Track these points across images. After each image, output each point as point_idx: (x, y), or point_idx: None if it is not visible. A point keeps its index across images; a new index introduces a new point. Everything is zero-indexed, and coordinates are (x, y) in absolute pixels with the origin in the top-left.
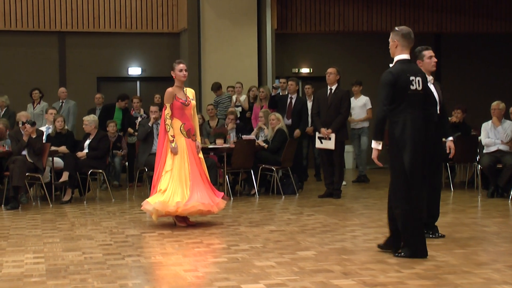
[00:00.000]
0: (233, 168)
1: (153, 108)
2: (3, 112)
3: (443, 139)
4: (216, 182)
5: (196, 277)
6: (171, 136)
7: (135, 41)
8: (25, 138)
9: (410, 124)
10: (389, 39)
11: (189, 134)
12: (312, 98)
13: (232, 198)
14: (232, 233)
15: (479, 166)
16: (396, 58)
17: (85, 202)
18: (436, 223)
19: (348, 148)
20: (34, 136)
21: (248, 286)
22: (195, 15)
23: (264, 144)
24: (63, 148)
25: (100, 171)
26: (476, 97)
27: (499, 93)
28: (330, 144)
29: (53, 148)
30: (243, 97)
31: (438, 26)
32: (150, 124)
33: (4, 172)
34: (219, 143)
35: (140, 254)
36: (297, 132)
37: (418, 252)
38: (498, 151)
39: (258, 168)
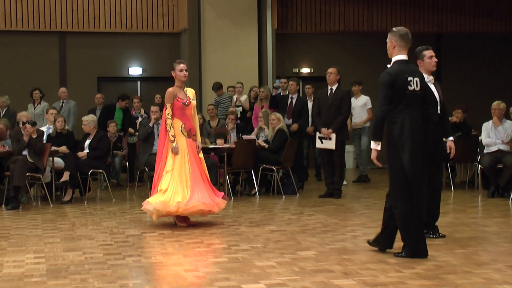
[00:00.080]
0: (234, 168)
1: (153, 108)
2: (3, 112)
3: (444, 139)
4: (216, 182)
5: (197, 277)
6: (172, 136)
7: (136, 41)
8: (25, 138)
9: (408, 125)
10: (387, 40)
11: (189, 134)
12: (312, 98)
13: (232, 198)
14: (233, 233)
15: (479, 166)
16: (394, 59)
17: (85, 202)
18: (437, 223)
19: (349, 148)
20: (34, 136)
21: (248, 286)
22: (195, 15)
23: (265, 144)
24: (63, 148)
25: (101, 171)
26: (477, 97)
27: (499, 93)
28: (330, 144)
29: (53, 148)
30: (243, 97)
31: (439, 26)
32: (151, 124)
33: (5, 172)
34: (220, 143)
35: (141, 254)
36: (294, 126)
37: (418, 252)
38: (499, 151)
39: (259, 168)
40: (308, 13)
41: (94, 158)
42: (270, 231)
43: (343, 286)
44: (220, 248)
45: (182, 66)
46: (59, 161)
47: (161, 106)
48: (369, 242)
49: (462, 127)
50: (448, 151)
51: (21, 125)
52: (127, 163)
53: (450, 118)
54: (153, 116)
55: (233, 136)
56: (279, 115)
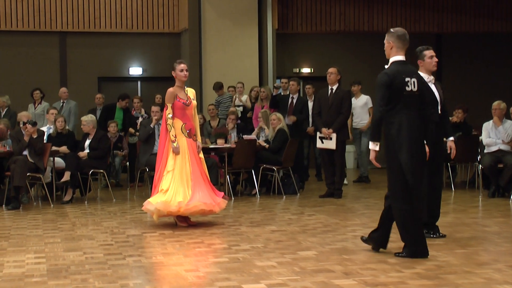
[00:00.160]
0: (234, 168)
1: (154, 108)
2: (4, 112)
3: (444, 139)
4: (217, 182)
5: (197, 277)
6: (173, 136)
7: (136, 41)
8: (26, 138)
9: (406, 125)
10: (385, 41)
11: (190, 134)
12: (313, 98)
13: (233, 198)
14: (233, 233)
15: (480, 166)
16: (391, 60)
17: (86, 202)
18: (437, 223)
19: (349, 148)
20: (35, 136)
21: (249, 286)
22: (196, 15)
23: (265, 144)
24: (64, 148)
25: (101, 171)
26: (477, 97)
27: (500, 92)
28: (331, 144)
29: (54, 148)
30: (244, 97)
31: (439, 26)
32: (152, 125)
33: (5, 172)
34: (220, 143)
35: (141, 254)
36: (292, 117)
37: (418, 252)
38: (499, 151)
39: (259, 168)
40: (308, 13)
41: (94, 158)
42: (271, 231)
43: (344, 286)
44: (220, 248)
45: (182, 66)
46: (59, 161)
47: (162, 106)
48: (362, 239)
49: (462, 127)
50: (448, 151)
51: (21, 125)
52: (128, 163)
53: (450, 118)
54: (154, 117)
55: (233, 136)
56: (279, 115)
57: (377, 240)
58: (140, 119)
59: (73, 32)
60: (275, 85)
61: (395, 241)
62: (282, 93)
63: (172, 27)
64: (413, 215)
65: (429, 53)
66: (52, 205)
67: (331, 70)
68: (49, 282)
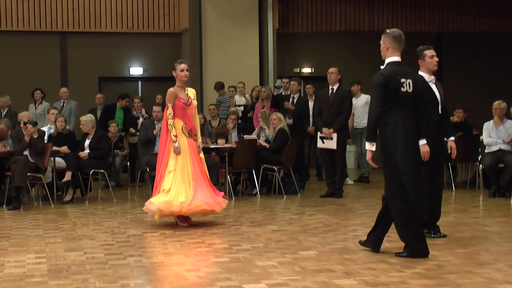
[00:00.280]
0: (235, 168)
1: (155, 108)
2: (4, 112)
3: (445, 139)
4: (217, 182)
5: (198, 277)
6: (174, 136)
7: (137, 41)
8: (26, 138)
9: (401, 126)
10: (381, 41)
11: (190, 134)
12: (313, 98)
13: (233, 198)
14: (234, 233)
15: (480, 165)
16: (387, 60)
17: (86, 202)
18: (438, 223)
19: (350, 148)
20: (35, 136)
21: (250, 286)
22: (196, 15)
23: (266, 144)
24: (64, 148)
25: (102, 171)
26: (478, 97)
27: (500, 92)
28: (332, 144)
29: (54, 148)
30: (243, 97)
31: (440, 26)
32: (155, 132)
33: (6, 172)
34: (221, 143)
35: (142, 254)
36: (289, 105)
37: (419, 251)
38: (500, 150)
39: (260, 168)
40: (309, 13)
41: (95, 158)
42: (271, 231)
43: (345, 286)
44: (221, 248)
45: (183, 66)
46: (60, 161)
47: (163, 107)
48: (360, 242)
49: (463, 127)
50: (449, 151)
51: (22, 125)
52: (128, 163)
53: (451, 117)
54: (158, 126)
55: (234, 136)
56: (280, 115)
57: (373, 242)
58: (141, 119)
59: (74, 32)
60: (276, 85)
61: (396, 241)
62: (283, 93)
63: (172, 27)
64: (412, 215)
65: (429, 53)
66: (52, 205)
67: (331, 70)
68: (49, 282)
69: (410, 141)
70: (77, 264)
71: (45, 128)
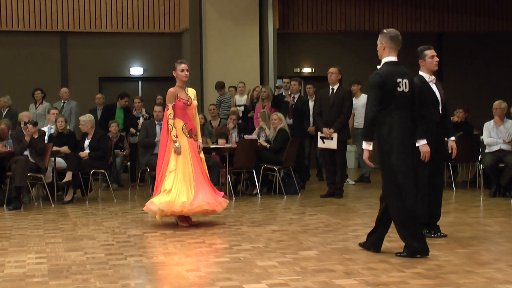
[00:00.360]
0: (235, 168)
1: (157, 108)
2: (5, 112)
3: (445, 139)
4: (218, 182)
5: (198, 277)
6: (174, 136)
7: (137, 41)
8: (27, 138)
9: (397, 125)
10: (377, 41)
11: (191, 134)
12: (313, 98)
13: (234, 198)
14: (234, 233)
15: (481, 165)
16: (383, 60)
17: (87, 202)
18: (438, 223)
19: (351, 148)
20: (36, 136)
21: (250, 286)
22: (197, 15)
23: (266, 144)
24: (65, 149)
25: (102, 171)
26: (478, 97)
27: (500, 92)
28: (332, 144)
29: (55, 148)
30: (244, 97)
31: (440, 26)
32: (156, 140)
33: (6, 172)
34: (221, 143)
35: (142, 254)
36: (289, 98)
37: (419, 250)
38: (500, 150)
39: (260, 168)
40: (309, 12)
41: (95, 158)
42: (272, 231)
43: (345, 286)
44: (221, 248)
45: (183, 66)
46: (60, 161)
47: (164, 107)
48: (360, 245)
49: (463, 127)
50: (449, 151)
51: (22, 125)
52: (129, 163)
53: (451, 117)
54: (157, 138)
55: (234, 136)
56: (280, 114)
57: (373, 243)
58: (141, 119)
59: (74, 32)
60: (276, 85)
61: (396, 241)
62: (283, 93)
63: (173, 27)
64: (410, 214)
65: (430, 52)
66: (53, 205)
67: (332, 70)
68: (50, 282)
69: (406, 141)
70: (77, 264)
71: (45, 128)
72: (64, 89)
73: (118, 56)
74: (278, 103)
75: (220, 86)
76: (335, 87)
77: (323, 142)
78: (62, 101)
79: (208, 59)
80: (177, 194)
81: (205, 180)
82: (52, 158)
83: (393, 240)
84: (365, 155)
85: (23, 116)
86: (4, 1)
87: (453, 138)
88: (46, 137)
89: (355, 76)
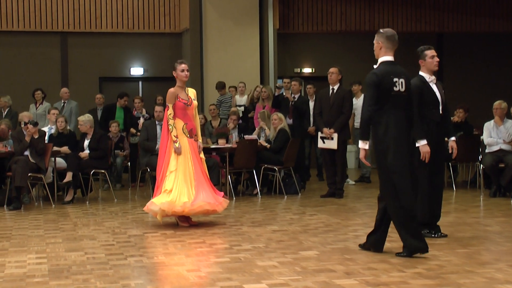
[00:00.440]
0: (235, 168)
1: (157, 108)
2: (5, 112)
3: (446, 139)
4: (218, 182)
5: (199, 277)
6: (174, 136)
7: (137, 41)
8: (27, 139)
9: (393, 125)
10: (374, 41)
11: (191, 134)
12: (314, 98)
13: (234, 198)
14: (235, 233)
15: (481, 165)
16: (380, 60)
17: (87, 202)
18: (439, 223)
19: (351, 148)
20: (36, 137)
21: (250, 286)
22: (197, 15)
23: (266, 144)
24: (65, 149)
25: (103, 171)
26: (478, 97)
27: (501, 92)
28: (332, 144)
29: (55, 148)
30: (244, 97)
31: (440, 26)
32: (156, 147)
33: (7, 172)
34: (221, 143)
35: (143, 254)
36: (288, 93)
37: (418, 249)
38: (500, 150)
39: (260, 168)
40: (309, 12)
41: (95, 158)
42: (272, 231)
43: (345, 286)
44: (222, 248)
45: (183, 66)
46: (61, 162)
47: (164, 107)
48: (360, 246)
49: (463, 127)
50: (450, 151)
51: (23, 125)
52: (129, 163)
53: (451, 117)
54: (156, 146)
55: (234, 136)
56: (280, 115)
57: (374, 244)
58: (142, 120)
59: (74, 32)
60: (277, 85)
61: (396, 241)
62: (284, 93)
63: (173, 27)
64: (409, 213)
65: (430, 53)
66: (53, 205)
67: (332, 70)
68: (50, 282)
69: (403, 141)
70: (78, 264)
71: (45, 128)
72: (64, 89)
73: (118, 56)
74: (279, 103)
75: (220, 86)
76: (335, 87)
77: (324, 142)
78: (62, 101)
79: (209, 59)
80: (178, 194)
81: (205, 180)
82: (53, 158)
83: (393, 240)
84: (362, 154)
85: (24, 116)
86: (4, 1)
87: (453, 138)
88: (46, 137)
89: (355, 76)
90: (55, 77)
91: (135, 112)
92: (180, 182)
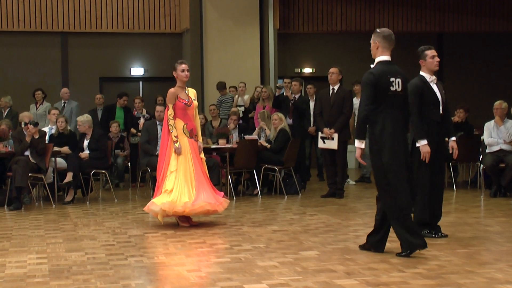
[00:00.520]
0: (236, 168)
1: (158, 108)
2: (6, 112)
3: (446, 139)
4: (218, 182)
5: (199, 277)
6: (175, 136)
7: (138, 41)
8: (27, 139)
9: (389, 124)
10: (371, 41)
11: (191, 134)
12: (314, 98)
13: (235, 198)
14: (235, 233)
15: (481, 165)
16: (377, 59)
17: (88, 202)
18: (439, 223)
19: (351, 148)
20: (36, 137)
21: (251, 286)
22: (197, 15)
23: (267, 144)
24: (65, 149)
25: (103, 171)
26: (479, 97)
27: (501, 92)
28: (333, 144)
29: (55, 148)
30: (246, 97)
31: (441, 26)
32: (156, 153)
33: (7, 172)
34: (222, 143)
35: (143, 254)
36: (288, 92)
37: (416, 245)
38: (501, 150)
39: (261, 168)
40: (310, 13)
41: (96, 158)
42: (273, 231)
43: (346, 286)
44: (222, 248)
45: (183, 66)
46: (61, 162)
47: (165, 107)
48: (360, 247)
49: (464, 127)
50: (450, 151)
51: (23, 126)
52: (129, 163)
53: (452, 118)
54: (156, 152)
55: (235, 136)
56: (281, 115)
57: (375, 244)
58: (142, 120)
59: (75, 33)
60: (277, 85)
61: (396, 241)
62: (284, 93)
63: (173, 27)
64: (404, 211)
65: (430, 53)
66: (53, 206)
67: (332, 70)
68: (51, 282)
69: (399, 140)
70: (78, 264)
71: (46, 129)
72: (64, 90)
73: (118, 56)
74: (279, 104)
75: (221, 86)
76: (336, 87)
77: (324, 142)
78: (63, 101)
79: (209, 59)
80: (179, 195)
81: (205, 180)
82: (53, 159)
83: (393, 240)
84: (357, 153)
85: (24, 116)
86: (5, 1)
87: (453, 138)
88: (46, 138)
89: (355, 76)
90: (55, 77)
91: (136, 112)
92: (181, 182)
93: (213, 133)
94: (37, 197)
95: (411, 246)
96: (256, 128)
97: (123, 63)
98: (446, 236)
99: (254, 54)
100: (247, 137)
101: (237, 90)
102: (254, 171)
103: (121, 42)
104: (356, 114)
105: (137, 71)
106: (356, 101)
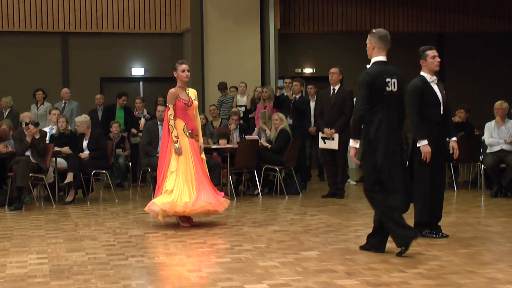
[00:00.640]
0: (236, 168)
1: (159, 108)
2: (6, 112)
3: (447, 139)
4: (219, 182)
5: (200, 277)
6: (175, 136)
7: (138, 42)
8: (28, 139)
9: (384, 125)
10: (367, 41)
11: (192, 134)
12: (315, 98)
13: (235, 199)
14: (236, 233)
15: (482, 165)
16: (373, 60)
17: (88, 202)
18: (440, 223)
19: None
20: (37, 137)
21: (251, 286)
22: (198, 15)
23: (267, 144)
24: (66, 149)
25: (104, 171)
26: (479, 97)
27: (502, 92)
28: (333, 144)
29: (56, 148)
30: (244, 98)
31: (441, 26)
32: (156, 155)
33: (8, 172)
34: (222, 143)
35: (144, 254)
36: (289, 92)
37: (409, 237)
38: (502, 150)
39: (262, 168)
40: (310, 13)
41: (96, 158)
42: (273, 231)
43: (346, 286)
44: (223, 248)
45: (184, 66)
46: (61, 162)
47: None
48: (361, 247)
49: (464, 127)
50: (451, 151)
51: (24, 126)
52: (130, 163)
53: (453, 118)
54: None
55: (235, 136)
56: (281, 115)
57: (376, 244)
58: (143, 120)
59: (75, 33)
60: (278, 85)
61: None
62: (285, 94)
63: (174, 28)
64: (396, 210)
65: (431, 53)
66: (54, 206)
67: (333, 70)
68: (51, 282)
69: (394, 140)
70: (78, 264)
71: (46, 129)
72: (65, 90)
73: (119, 56)
74: (280, 104)
75: (222, 87)
76: (336, 88)
77: (324, 143)
78: (63, 101)
79: (209, 59)
80: (180, 195)
81: (206, 180)
82: (54, 159)
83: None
84: (352, 152)
85: (25, 116)
86: (5, 1)
87: (454, 138)
88: (47, 138)
89: (356, 76)
90: (56, 77)
91: (136, 112)
92: (181, 182)
93: (214, 133)
94: (37, 197)
95: (404, 240)
96: (256, 128)
97: (124, 63)
98: (446, 236)
99: (254, 54)
100: (247, 137)
101: (237, 90)
102: (255, 171)
103: (122, 42)
104: None
105: (137, 71)
106: None
